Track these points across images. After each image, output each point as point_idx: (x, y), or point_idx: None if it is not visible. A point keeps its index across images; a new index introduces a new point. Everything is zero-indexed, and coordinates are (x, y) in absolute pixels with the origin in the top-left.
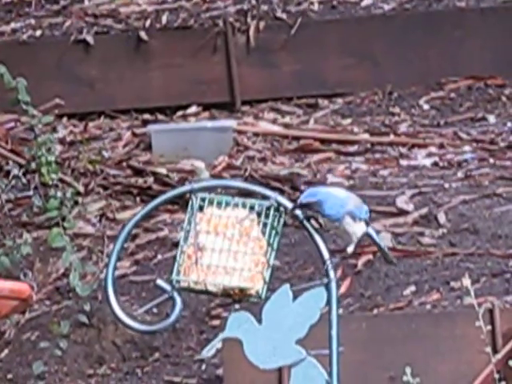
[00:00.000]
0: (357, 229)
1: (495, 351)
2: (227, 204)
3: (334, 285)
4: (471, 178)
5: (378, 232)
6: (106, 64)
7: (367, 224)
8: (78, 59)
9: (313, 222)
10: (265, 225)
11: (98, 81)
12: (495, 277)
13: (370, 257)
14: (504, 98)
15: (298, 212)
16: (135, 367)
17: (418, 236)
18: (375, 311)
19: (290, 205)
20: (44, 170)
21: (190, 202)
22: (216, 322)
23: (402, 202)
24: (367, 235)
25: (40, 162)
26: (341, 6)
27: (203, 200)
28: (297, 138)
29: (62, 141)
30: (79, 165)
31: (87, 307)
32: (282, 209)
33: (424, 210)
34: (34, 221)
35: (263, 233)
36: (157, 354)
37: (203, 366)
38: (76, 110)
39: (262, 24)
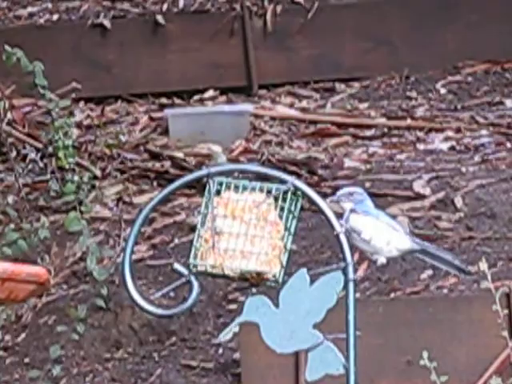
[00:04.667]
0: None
1: None
2: (244, 188)
3: (351, 269)
4: (488, 162)
5: (394, 216)
6: (123, 48)
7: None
8: (95, 43)
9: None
10: (282, 209)
11: (114, 65)
12: None
13: None
14: None
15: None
16: (152, 351)
17: (435, 220)
18: (392, 295)
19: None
20: (61, 154)
21: (207, 187)
22: (233, 306)
23: (419, 186)
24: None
25: (57, 146)
26: None
27: (220, 184)
28: (314, 122)
29: (78, 125)
30: (96, 149)
31: (104, 291)
32: (299, 193)
33: (441, 194)
34: (51, 205)
35: (280, 217)
36: (174, 338)
37: (220, 350)
38: (93, 94)
39: (279, 8)
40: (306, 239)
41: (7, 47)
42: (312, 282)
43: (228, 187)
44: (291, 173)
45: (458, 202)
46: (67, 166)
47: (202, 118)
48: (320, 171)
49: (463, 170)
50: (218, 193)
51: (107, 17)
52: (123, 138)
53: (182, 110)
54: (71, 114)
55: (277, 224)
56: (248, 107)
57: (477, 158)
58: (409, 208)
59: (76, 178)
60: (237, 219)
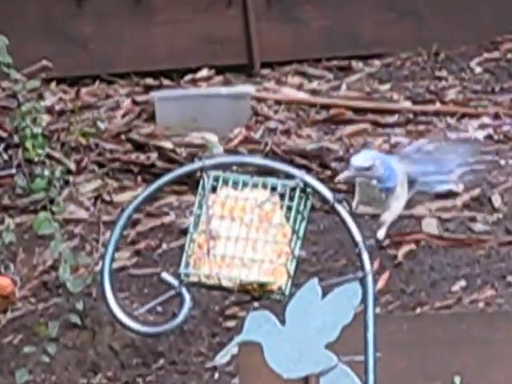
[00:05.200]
0: (402, 203)
1: None
2: (245, 184)
3: (370, 279)
4: None
5: (421, 217)
6: (102, 20)
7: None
8: (69, 14)
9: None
10: (289, 209)
11: (92, 39)
12: None
13: (413, 246)
14: None
15: (329, 194)
16: (136, 376)
17: (469, 222)
18: (418, 310)
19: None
20: (29, 144)
21: (201, 182)
22: (231, 323)
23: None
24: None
25: (24, 134)
26: None
27: (216, 179)
28: (326, 107)
29: (49, 110)
30: (70, 138)
31: (79, 305)
32: (309, 190)
33: (476, 192)
34: (17, 204)
35: (287, 218)
36: (161, 361)
37: (216, 375)
38: (66, 74)
39: None
40: (318, 244)
41: None
42: (324, 294)
43: (225, 183)
44: (300, 166)
45: (496, 200)
46: (36, 159)
47: (195, 102)
48: (333, 164)
49: (502, 162)
50: (214, 190)
51: None
52: (102, 126)
53: (171, 93)
54: (41, 97)
55: (283, 226)
56: (249, 89)
57: None
58: (438, 208)
59: (46, 172)
60: (236, 221)
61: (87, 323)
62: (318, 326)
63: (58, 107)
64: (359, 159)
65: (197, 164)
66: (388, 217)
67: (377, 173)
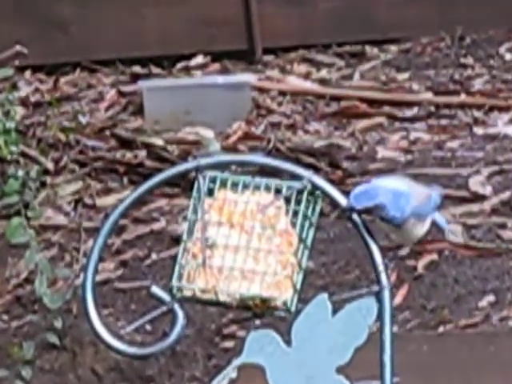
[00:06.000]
0: (420, 229)
1: None
2: (245, 186)
3: (387, 294)
4: None
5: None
6: (84, 0)
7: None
8: None
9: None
10: (295, 214)
11: (72, 22)
12: None
13: (435, 256)
14: None
15: (342, 199)
16: None
17: (498, 229)
18: (441, 329)
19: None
20: (1, 140)
21: (196, 184)
22: (229, 344)
23: (476, 183)
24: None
25: None
26: None
27: (213, 181)
28: (337, 99)
29: (24, 102)
30: (47, 134)
31: (58, 323)
32: (318, 193)
33: (506, 195)
34: None
35: (293, 224)
36: None
37: None
38: (43, 61)
39: None
40: (327, 254)
41: None
42: (335, 311)
43: (223, 185)
44: (307, 166)
45: None
46: (9, 157)
47: (188, 93)
48: (345, 164)
49: None
50: (211, 192)
51: None
52: (83, 120)
53: (162, 83)
54: (14, 87)
55: (288, 234)
56: (249, 78)
57: None
58: (463, 212)
59: (21, 172)
60: (235, 227)
61: (66, 343)
62: (327, 346)
63: (33, 99)
64: (360, 198)
65: (191, 163)
66: (410, 242)
67: (383, 213)
